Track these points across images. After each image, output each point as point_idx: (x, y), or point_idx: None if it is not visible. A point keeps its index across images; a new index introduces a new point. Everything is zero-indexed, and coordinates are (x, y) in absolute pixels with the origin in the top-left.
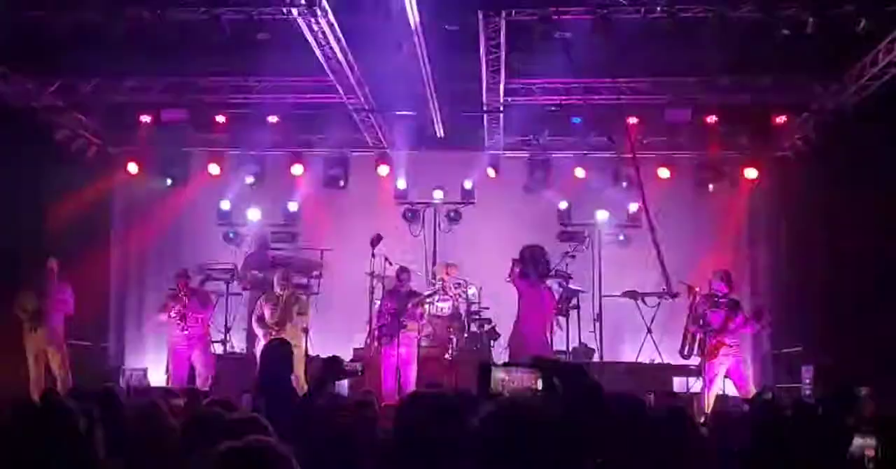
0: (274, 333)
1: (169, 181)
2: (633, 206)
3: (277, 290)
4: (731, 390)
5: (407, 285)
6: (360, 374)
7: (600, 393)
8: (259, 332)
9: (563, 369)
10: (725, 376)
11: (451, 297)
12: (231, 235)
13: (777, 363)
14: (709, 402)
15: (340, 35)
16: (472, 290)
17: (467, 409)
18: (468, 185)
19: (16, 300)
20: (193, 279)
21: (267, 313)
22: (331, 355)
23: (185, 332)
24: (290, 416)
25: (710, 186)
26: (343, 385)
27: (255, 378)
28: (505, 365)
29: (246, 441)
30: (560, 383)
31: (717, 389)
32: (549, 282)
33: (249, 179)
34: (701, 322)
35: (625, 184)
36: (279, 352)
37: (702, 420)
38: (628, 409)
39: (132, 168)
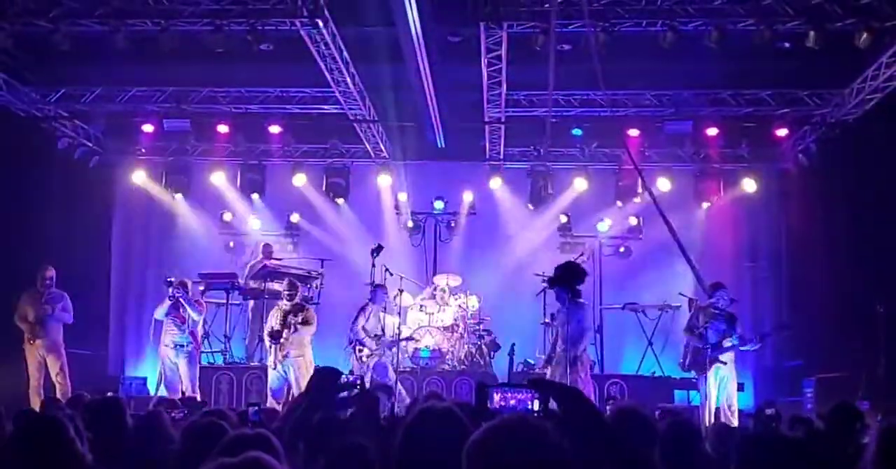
0: (280, 344)
1: (170, 190)
2: (633, 220)
3: (284, 300)
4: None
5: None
6: (358, 387)
7: (600, 416)
8: (267, 343)
9: (560, 391)
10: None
11: (451, 307)
12: (232, 245)
13: (778, 377)
14: (708, 416)
15: (342, 46)
16: (472, 301)
17: (473, 424)
18: (469, 195)
19: (16, 309)
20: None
21: (275, 325)
22: (327, 367)
23: (179, 337)
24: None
25: (711, 198)
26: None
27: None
28: (502, 385)
29: (240, 458)
30: (557, 405)
31: (713, 403)
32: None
33: (250, 189)
34: (700, 336)
35: (620, 203)
36: (320, 377)
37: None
38: (634, 426)
39: (134, 177)
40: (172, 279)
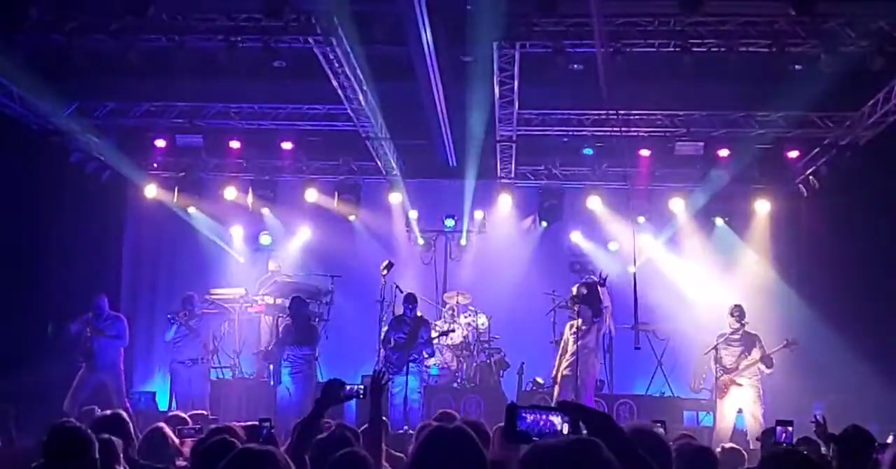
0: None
1: (182, 205)
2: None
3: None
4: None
5: (414, 313)
6: (362, 396)
7: (630, 442)
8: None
9: (591, 415)
10: (739, 412)
11: (461, 325)
12: (242, 260)
13: (787, 398)
14: (719, 438)
15: (356, 64)
16: (481, 319)
17: (484, 443)
18: (479, 213)
19: (68, 338)
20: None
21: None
22: (332, 378)
23: (194, 352)
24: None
25: (722, 220)
26: (351, 410)
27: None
28: (531, 407)
29: None
30: (587, 429)
31: (727, 425)
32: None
33: (262, 205)
34: (716, 360)
35: (643, 218)
36: (325, 387)
37: None
38: (652, 447)
39: (146, 192)
40: (179, 315)
